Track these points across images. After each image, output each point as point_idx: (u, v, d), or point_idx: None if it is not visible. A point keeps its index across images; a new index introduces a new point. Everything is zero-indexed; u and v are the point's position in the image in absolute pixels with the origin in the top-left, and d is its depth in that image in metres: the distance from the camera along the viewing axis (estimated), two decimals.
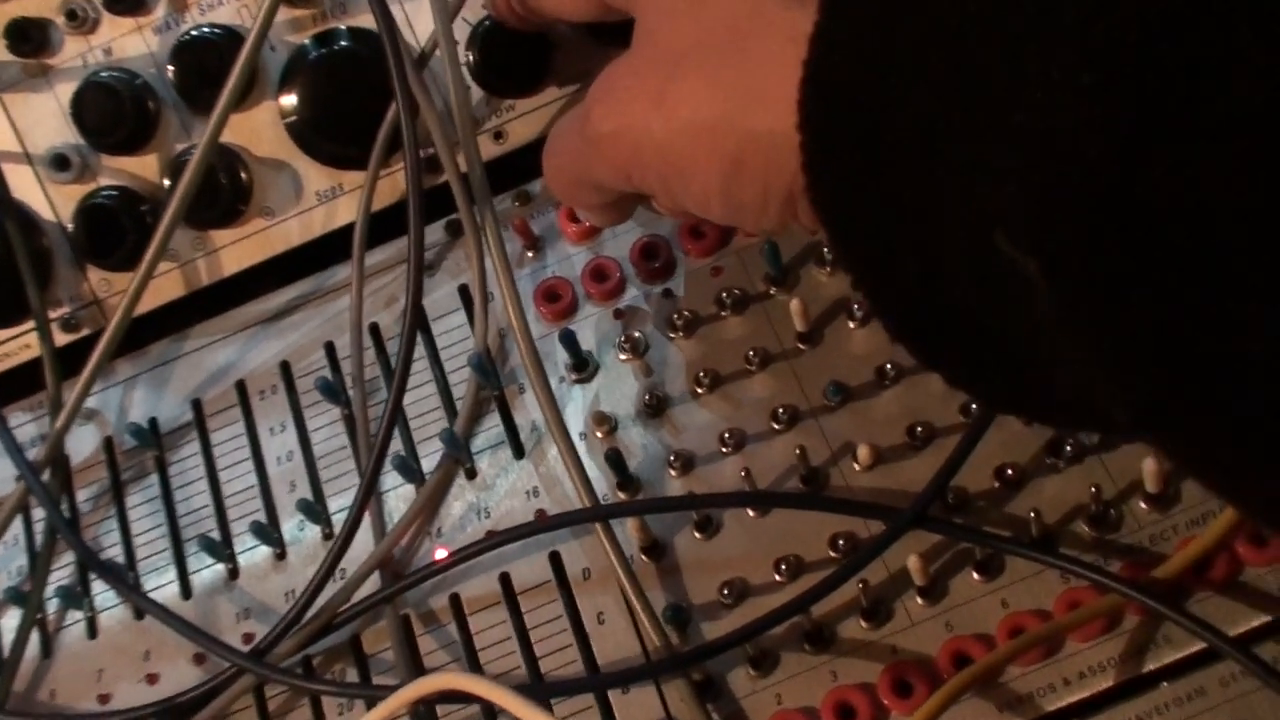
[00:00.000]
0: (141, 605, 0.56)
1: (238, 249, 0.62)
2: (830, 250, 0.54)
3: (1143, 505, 0.49)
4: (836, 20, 0.36)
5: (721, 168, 0.42)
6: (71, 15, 0.61)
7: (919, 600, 0.49)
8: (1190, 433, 0.32)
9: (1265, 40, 0.27)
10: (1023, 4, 0.31)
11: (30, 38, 0.61)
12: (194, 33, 0.60)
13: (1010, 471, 0.50)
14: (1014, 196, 0.31)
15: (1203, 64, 0.28)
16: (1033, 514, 0.48)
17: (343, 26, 0.60)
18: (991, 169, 0.32)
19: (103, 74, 0.61)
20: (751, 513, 0.52)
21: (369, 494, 0.54)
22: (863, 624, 0.49)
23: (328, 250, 0.62)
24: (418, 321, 0.55)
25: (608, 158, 0.46)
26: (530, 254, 0.59)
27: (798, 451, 0.51)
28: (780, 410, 0.53)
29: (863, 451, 0.51)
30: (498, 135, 0.60)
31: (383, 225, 0.60)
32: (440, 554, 0.54)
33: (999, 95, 0.31)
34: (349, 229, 0.60)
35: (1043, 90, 0.30)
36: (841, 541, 0.50)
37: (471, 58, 0.59)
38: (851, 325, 0.54)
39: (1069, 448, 0.50)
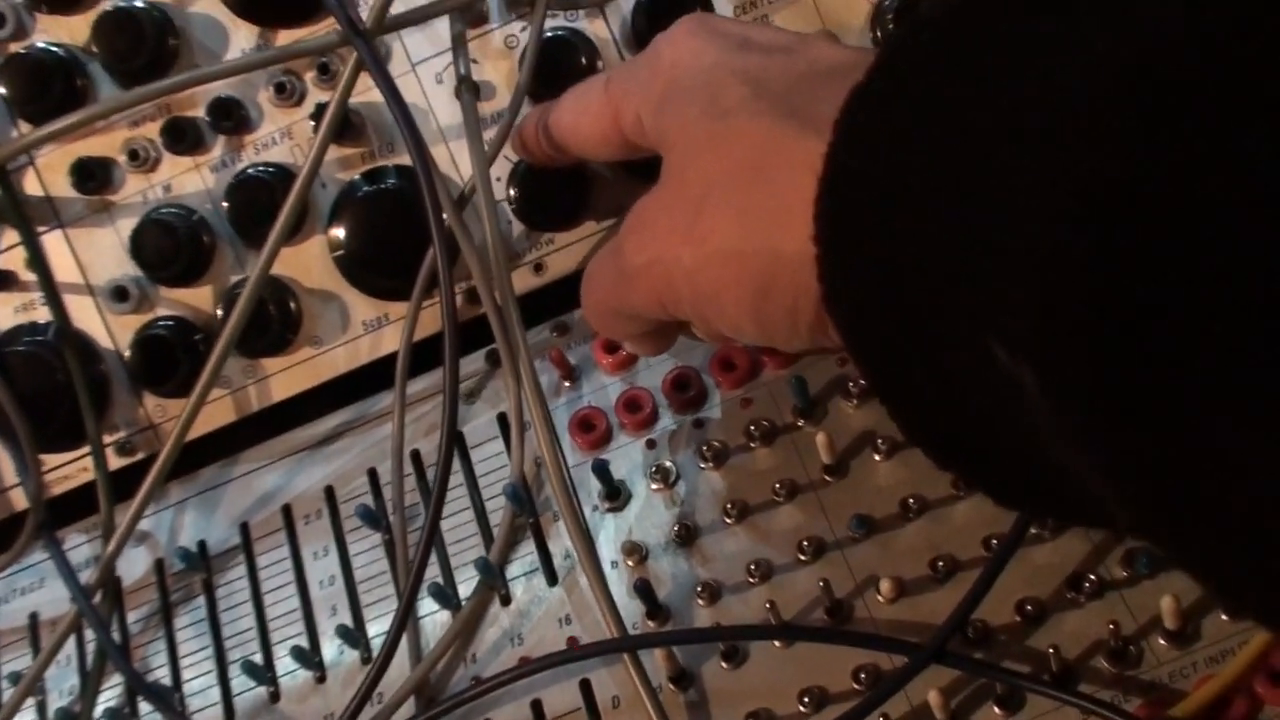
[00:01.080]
0: None
1: (286, 376, 0.64)
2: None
3: (1162, 641, 0.49)
4: (847, 145, 0.39)
5: (751, 291, 0.44)
6: (134, 155, 0.64)
7: None
8: (1182, 539, 0.33)
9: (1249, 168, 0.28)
10: (1017, 135, 0.33)
11: (95, 176, 0.64)
12: (249, 171, 0.63)
13: (1030, 606, 0.50)
14: (1010, 311, 0.33)
15: (1188, 197, 0.29)
16: (1052, 649, 0.49)
17: (390, 164, 0.63)
18: (989, 285, 0.34)
19: (161, 210, 0.64)
20: (777, 644, 0.53)
21: (405, 620, 0.55)
22: None
23: (374, 377, 0.64)
24: (452, 452, 0.56)
25: (643, 288, 0.48)
26: (567, 384, 0.61)
27: (822, 584, 0.52)
28: (806, 542, 0.54)
29: (886, 584, 0.52)
30: (537, 267, 0.63)
31: (426, 354, 0.62)
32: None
33: (994, 220, 0.33)
34: (394, 357, 0.62)
35: (1036, 216, 0.32)
36: (864, 674, 0.51)
37: (512, 193, 0.61)
38: (877, 458, 0.55)
39: (1089, 583, 0.50)
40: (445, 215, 0.56)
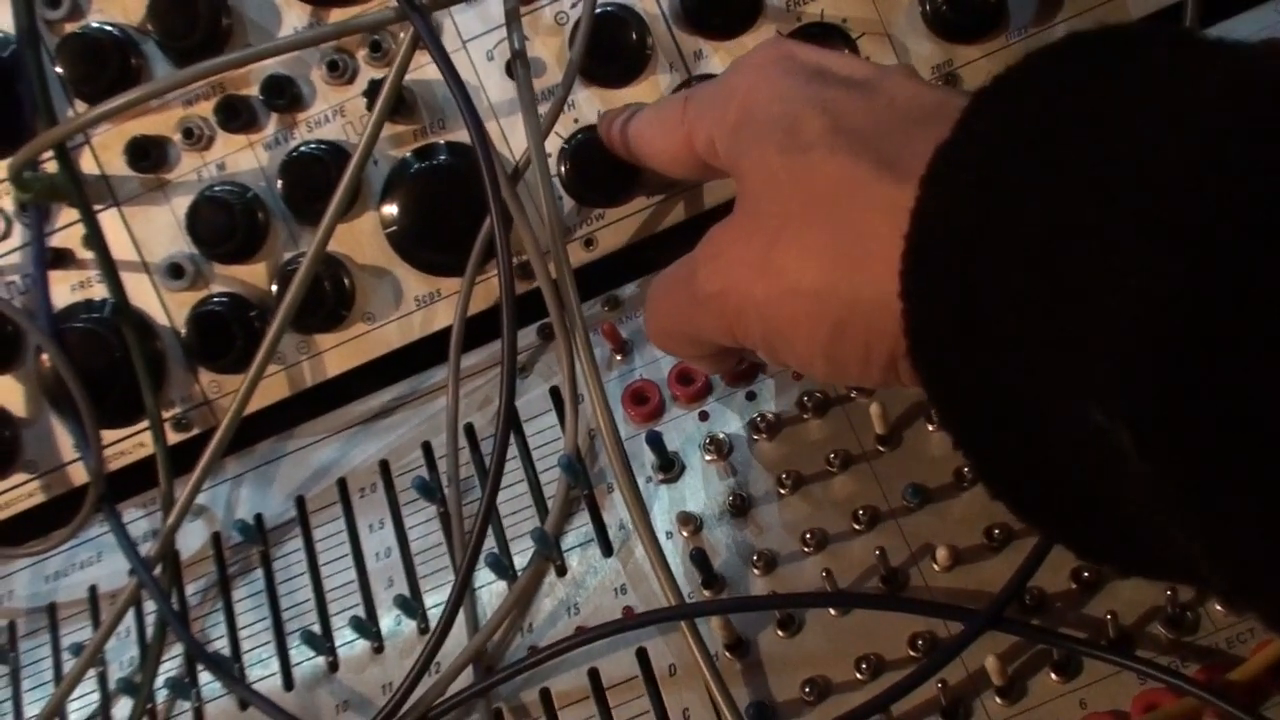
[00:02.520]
0: (246, 698, 0.58)
1: (340, 352, 0.65)
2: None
3: (1219, 608, 0.49)
4: (936, 203, 0.38)
5: (824, 331, 0.44)
6: (188, 133, 0.65)
7: (998, 700, 0.50)
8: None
9: None
10: (1110, 197, 0.33)
11: (149, 154, 0.65)
12: (302, 149, 0.64)
13: (1087, 573, 0.51)
14: (1107, 373, 0.33)
15: None
16: (1109, 615, 0.49)
17: (442, 141, 0.64)
18: (1086, 346, 0.33)
19: (216, 188, 0.64)
20: (833, 612, 0.53)
21: (463, 591, 0.56)
22: None
23: (426, 353, 0.65)
24: (510, 425, 0.57)
25: (713, 316, 0.48)
26: (619, 357, 0.61)
27: (877, 552, 0.52)
28: (860, 511, 0.54)
29: (941, 552, 0.52)
30: (588, 243, 0.63)
31: (478, 329, 0.63)
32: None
33: (1091, 280, 0.33)
34: (446, 332, 0.63)
35: (1134, 278, 0.32)
36: (921, 641, 0.51)
37: (563, 169, 0.62)
38: (930, 428, 0.55)
39: None
40: (501, 188, 0.57)
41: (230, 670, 0.60)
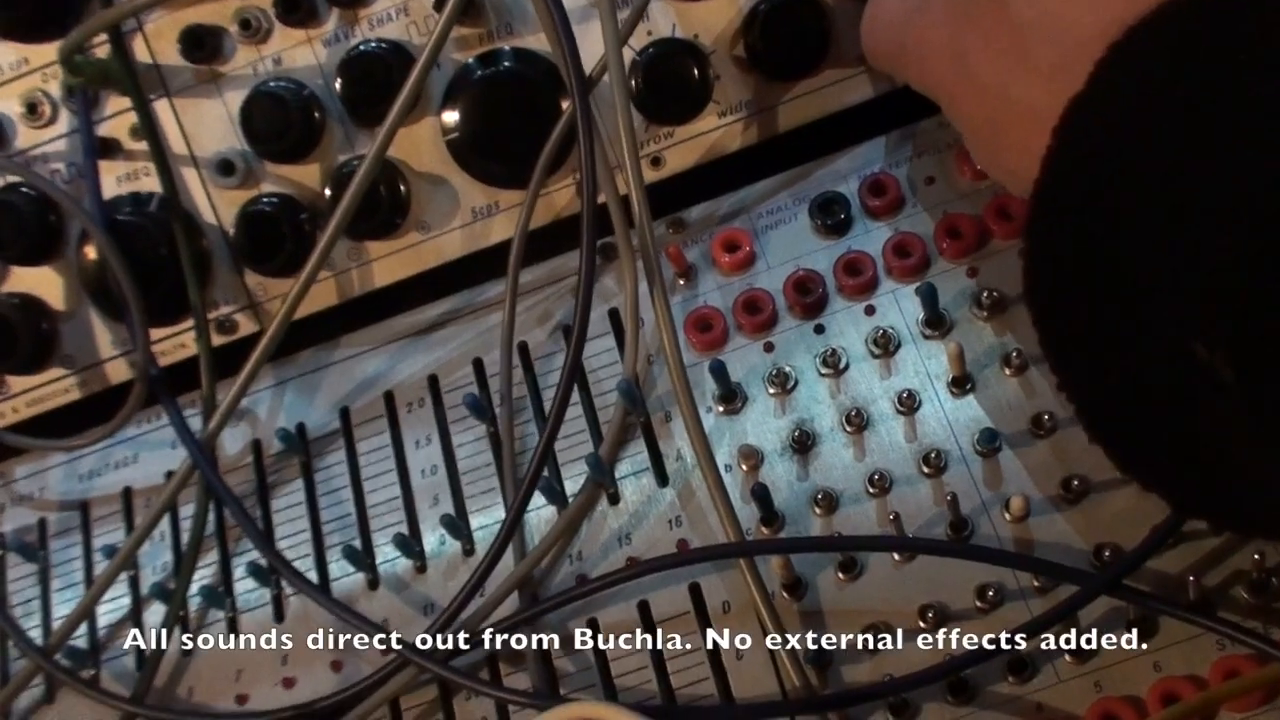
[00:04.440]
0: (329, 609, 0.56)
1: (392, 261, 0.63)
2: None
3: None
4: (1061, 156, 0.40)
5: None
6: (245, 24, 0.62)
7: (1068, 658, 0.48)
8: None
9: None
10: (1225, 142, 0.35)
11: (204, 45, 0.62)
12: (362, 47, 0.61)
13: (1170, 534, 0.49)
14: (1211, 308, 0.35)
15: None
16: (1191, 578, 0.47)
17: (507, 47, 0.61)
18: (1192, 284, 0.36)
19: (271, 83, 0.62)
20: (896, 557, 0.51)
21: (516, 522, 0.54)
22: (1009, 679, 0.48)
23: (478, 267, 0.63)
24: (579, 354, 0.54)
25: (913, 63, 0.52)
26: (682, 282, 0.59)
27: (950, 497, 0.50)
28: (931, 455, 0.52)
29: (1015, 502, 0.50)
30: (655, 161, 0.61)
31: (535, 245, 0.61)
32: None
33: (1199, 222, 0.35)
34: (502, 247, 0.61)
35: (1239, 217, 0.34)
36: (991, 592, 0.49)
37: (634, 83, 0.59)
38: (1007, 372, 0.53)
39: None
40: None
41: (266, 581, 0.58)
